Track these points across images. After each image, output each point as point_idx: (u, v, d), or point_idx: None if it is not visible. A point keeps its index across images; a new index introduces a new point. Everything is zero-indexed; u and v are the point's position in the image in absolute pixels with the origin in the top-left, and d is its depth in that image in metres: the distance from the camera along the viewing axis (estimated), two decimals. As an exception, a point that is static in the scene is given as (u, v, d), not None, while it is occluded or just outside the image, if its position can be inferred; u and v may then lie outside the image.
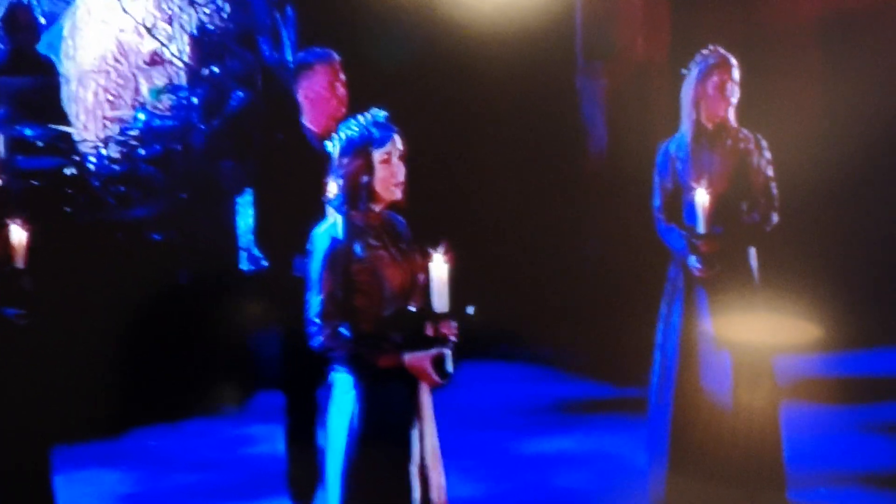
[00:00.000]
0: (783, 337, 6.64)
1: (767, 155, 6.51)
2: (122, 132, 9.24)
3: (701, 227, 6.31)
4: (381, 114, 4.74)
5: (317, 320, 4.66)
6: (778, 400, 6.51)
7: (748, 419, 6.42)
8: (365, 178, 4.67)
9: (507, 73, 9.83)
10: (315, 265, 4.69)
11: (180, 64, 9.35)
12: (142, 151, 9.22)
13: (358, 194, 4.68)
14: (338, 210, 4.73)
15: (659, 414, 6.55)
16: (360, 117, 4.73)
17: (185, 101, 9.33)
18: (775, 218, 6.49)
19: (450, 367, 4.68)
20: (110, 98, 9.90)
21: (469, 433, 8.13)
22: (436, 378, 4.67)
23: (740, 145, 6.46)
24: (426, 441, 4.82)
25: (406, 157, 4.74)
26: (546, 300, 9.91)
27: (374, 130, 4.69)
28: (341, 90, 6.41)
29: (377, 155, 4.67)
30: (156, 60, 9.47)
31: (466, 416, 8.47)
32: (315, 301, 4.66)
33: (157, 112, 9.38)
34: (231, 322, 9.01)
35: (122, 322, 8.49)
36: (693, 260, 6.41)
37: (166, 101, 9.41)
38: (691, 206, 6.38)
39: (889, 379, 8.89)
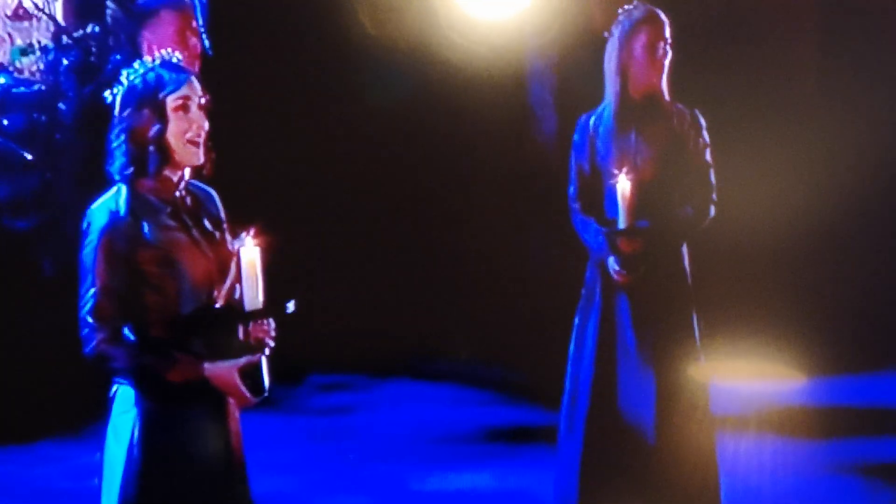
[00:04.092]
0: (722, 357, 6.23)
1: (706, 136, 6.03)
2: (-24, 99, 8.71)
3: (622, 221, 5.84)
4: (174, 55, 4.25)
5: (90, 320, 4.12)
6: (713, 433, 6.08)
7: (675, 455, 5.99)
8: (155, 128, 4.12)
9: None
10: (88, 249, 4.15)
11: (48, 20, 8.79)
12: (4, 122, 8.69)
13: (145, 153, 4.13)
14: (120, 177, 4.17)
15: (569, 444, 6.13)
16: (146, 60, 4.23)
17: (53, 64, 8.77)
18: (713, 211, 6.03)
19: (265, 379, 4.16)
20: (-21, 60, 9.38)
21: (367, 465, 7.82)
22: (247, 394, 4.14)
23: (673, 122, 6.00)
24: (234, 475, 4.26)
25: (209, 109, 4.18)
26: (471, 308, 9.65)
27: (162, 73, 4.17)
28: (193, 41, 5.94)
29: (170, 101, 4.15)
30: (20, 15, 8.92)
31: (365, 444, 8.17)
32: (88, 295, 4.12)
33: (21, 77, 8.83)
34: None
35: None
36: (612, 260, 5.95)
37: (32, 63, 8.86)
38: (612, 196, 5.91)
39: (858, 410, 8.51)
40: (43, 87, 8.84)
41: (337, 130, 9.89)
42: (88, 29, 8.96)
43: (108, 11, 8.96)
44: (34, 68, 8.95)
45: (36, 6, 8.90)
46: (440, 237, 9.94)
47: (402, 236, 9.93)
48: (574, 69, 9.33)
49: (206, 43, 8.56)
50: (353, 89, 9.78)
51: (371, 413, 8.74)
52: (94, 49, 8.95)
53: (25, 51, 8.90)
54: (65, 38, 8.86)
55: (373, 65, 9.68)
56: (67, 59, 8.90)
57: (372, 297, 9.70)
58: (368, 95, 9.73)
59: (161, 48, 5.83)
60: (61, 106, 8.82)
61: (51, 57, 8.89)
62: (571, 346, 6.16)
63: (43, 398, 8.19)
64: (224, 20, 8.34)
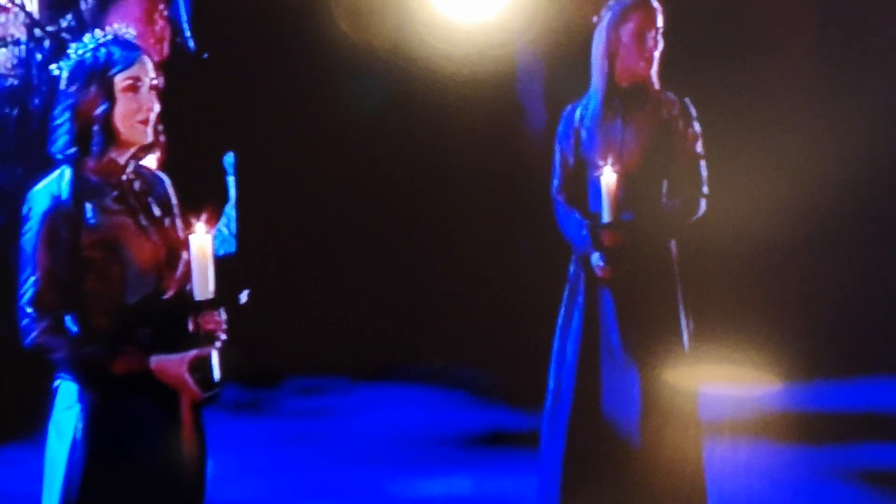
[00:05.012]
0: (711, 359, 6.10)
1: (696, 126, 5.73)
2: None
3: (606, 215, 5.54)
4: (128, 31, 4.01)
5: (29, 309, 3.82)
6: (700, 437, 5.78)
7: (661, 460, 5.70)
8: (102, 107, 3.86)
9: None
10: (29, 235, 3.86)
11: (17, 9, 8.52)
12: (-26, 116, 8.44)
13: (90, 132, 3.86)
14: (63, 158, 3.91)
15: (551, 447, 5.85)
16: (97, 33, 3.98)
17: (26, 58, 8.49)
18: (703, 205, 5.74)
19: (216, 373, 3.86)
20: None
21: (345, 469, 7.61)
22: (196, 389, 3.84)
23: (662, 111, 5.70)
24: (186, 475, 3.95)
25: (160, 91, 3.91)
26: (453, 309, 9.43)
27: (114, 49, 3.93)
28: (161, 23, 5.66)
29: (119, 80, 3.89)
30: (-6, 7, 8.66)
31: (343, 447, 7.97)
32: (28, 284, 3.83)
33: (-8, 70, 8.57)
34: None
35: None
36: (596, 256, 5.68)
37: (5, 56, 8.58)
38: (596, 188, 5.62)
39: (849, 415, 8.26)
40: (16, 82, 8.59)
41: (316, 135, 9.70)
42: (63, 22, 8.71)
43: (84, 4, 8.71)
44: (7, 62, 8.70)
45: (9, -1, 8.66)
46: (420, 239, 9.76)
47: (381, 239, 9.77)
48: (561, 64, 9.11)
49: (190, 41, 8.31)
50: (331, 91, 9.59)
51: (350, 416, 8.54)
52: (68, 43, 8.69)
53: (-5, 43, 8.66)
54: (38, 32, 8.61)
55: (352, 67, 9.46)
56: (41, 52, 8.64)
57: (351, 300, 9.52)
58: (347, 97, 9.54)
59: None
60: (34, 100, 8.56)
61: (24, 50, 8.63)
62: (554, 345, 5.88)
63: (10, 400, 7.93)
64: (204, 22, 8.13)
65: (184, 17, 8.80)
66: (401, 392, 8.99)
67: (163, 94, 4.35)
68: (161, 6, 5.73)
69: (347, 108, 9.52)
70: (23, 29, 8.73)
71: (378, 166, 9.69)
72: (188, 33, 8.66)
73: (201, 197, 4.20)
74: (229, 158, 10.37)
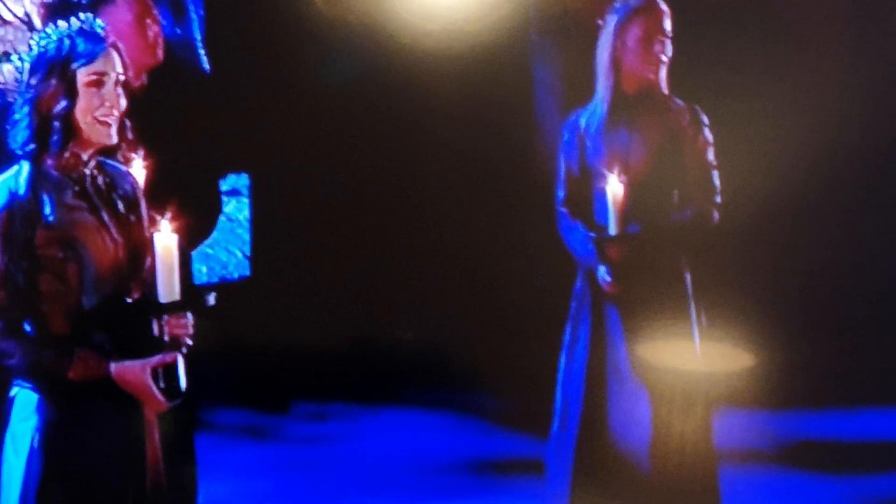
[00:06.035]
0: (726, 380, 5.91)
1: (707, 134, 5.57)
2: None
3: (612, 227, 5.38)
4: (96, 22, 3.85)
5: None
6: (715, 465, 5.60)
7: (673, 487, 5.51)
8: (62, 104, 3.74)
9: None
10: None
11: (20, 24, 8.41)
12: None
13: (49, 128, 3.74)
14: (22, 154, 3.78)
15: (557, 471, 5.67)
16: (61, 23, 3.84)
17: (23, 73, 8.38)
18: (716, 216, 5.55)
19: (181, 381, 3.71)
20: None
21: (352, 496, 7.48)
22: (160, 397, 3.69)
23: (671, 119, 5.52)
24: (149, 490, 3.77)
25: (127, 86, 3.77)
26: (467, 331, 9.23)
27: (78, 42, 3.79)
28: (154, 29, 5.49)
29: (82, 74, 3.75)
30: (-6, 21, 8.57)
31: (352, 474, 7.81)
32: None
33: (-1, 86, 8.46)
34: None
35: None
36: (602, 270, 5.49)
37: (11, 71, 8.47)
38: (602, 199, 5.44)
39: (872, 443, 8.00)
40: (15, 97, 8.47)
41: (296, 122, 9.49)
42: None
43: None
44: (11, 77, 8.60)
45: (12, 13, 8.55)
46: (428, 258, 9.56)
47: (392, 260, 9.59)
48: (545, 38, 8.96)
49: (204, 60, 8.16)
50: (304, 71, 9.36)
51: (357, 443, 8.40)
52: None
53: (0, 59, 8.57)
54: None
55: (327, 45, 9.27)
56: (44, 67, 8.53)
57: (361, 324, 9.39)
58: (321, 77, 9.32)
59: (118, 37, 5.43)
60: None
61: (27, 65, 8.51)
62: (561, 364, 5.71)
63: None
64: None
65: (198, 37, 8.67)
66: (409, 418, 8.83)
67: (156, 103, 4.18)
68: (154, 11, 5.53)
69: (319, 89, 9.30)
70: (26, 43, 8.63)
71: (386, 166, 9.50)
72: (202, 52, 8.51)
73: (189, 205, 4.04)
74: (243, 180, 10.24)
